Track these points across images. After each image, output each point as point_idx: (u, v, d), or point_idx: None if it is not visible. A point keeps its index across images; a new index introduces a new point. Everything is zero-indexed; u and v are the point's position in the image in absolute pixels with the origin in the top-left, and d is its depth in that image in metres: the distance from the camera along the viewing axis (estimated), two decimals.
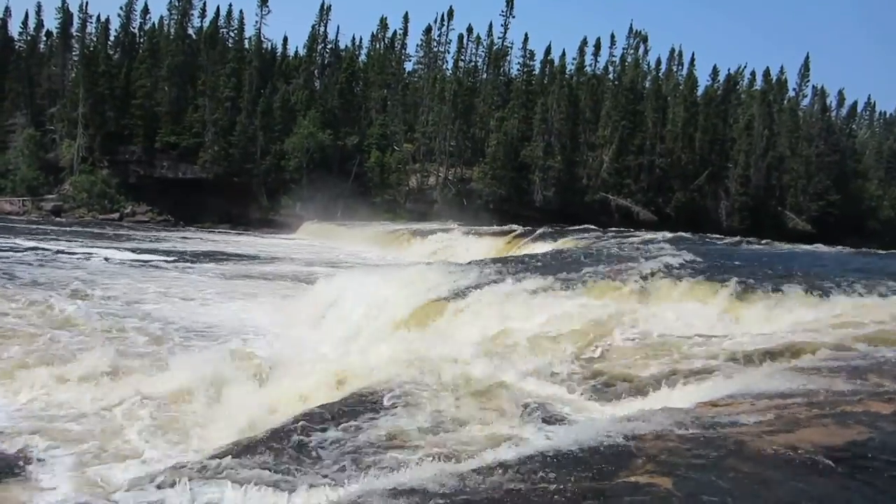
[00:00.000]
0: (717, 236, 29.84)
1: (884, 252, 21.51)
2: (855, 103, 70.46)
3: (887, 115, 79.89)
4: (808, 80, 63.73)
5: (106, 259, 21.51)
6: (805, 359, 5.97)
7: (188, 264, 21.90)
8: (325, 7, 60.95)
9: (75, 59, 54.13)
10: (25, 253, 21.22)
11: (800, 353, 6.21)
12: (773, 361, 6.10)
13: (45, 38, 58.59)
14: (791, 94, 63.98)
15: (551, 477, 3.40)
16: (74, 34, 55.54)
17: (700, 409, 4.59)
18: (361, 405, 5.63)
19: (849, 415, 4.09)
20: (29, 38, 57.55)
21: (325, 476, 4.58)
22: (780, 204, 56.33)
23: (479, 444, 4.86)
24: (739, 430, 3.92)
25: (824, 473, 3.22)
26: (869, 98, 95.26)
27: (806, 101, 64.57)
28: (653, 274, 10.01)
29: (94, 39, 55.83)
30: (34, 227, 35.87)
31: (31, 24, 57.99)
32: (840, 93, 69.10)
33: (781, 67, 73.15)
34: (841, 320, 7.14)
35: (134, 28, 58.69)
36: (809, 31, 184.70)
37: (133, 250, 25.50)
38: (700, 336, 7.27)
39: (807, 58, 64.30)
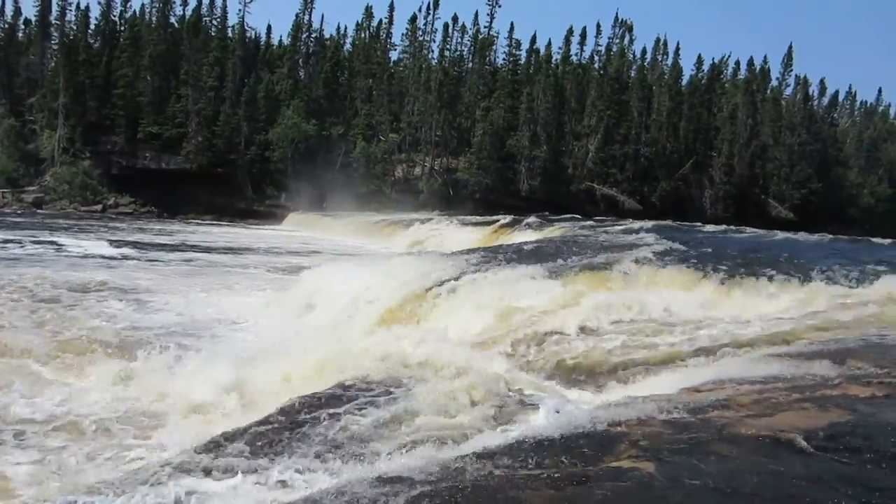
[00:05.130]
0: (701, 224, 30.08)
1: (861, 239, 21.81)
2: (836, 92, 71.13)
3: (868, 104, 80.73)
4: (791, 70, 64.38)
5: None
6: (785, 345, 6.05)
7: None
8: None
9: (55, 47, 53.26)
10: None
11: (780, 338, 6.29)
12: (755, 347, 6.18)
13: (23, 26, 57.61)
14: (774, 83, 64.57)
15: (536, 463, 3.43)
16: (53, 22, 54.67)
17: (683, 395, 4.65)
18: (345, 395, 5.64)
19: (828, 398, 4.15)
20: (6, 25, 56.51)
21: (310, 466, 4.58)
22: (764, 192, 56.85)
23: (463, 432, 4.89)
24: (721, 415, 3.97)
25: (804, 455, 3.27)
26: (850, 87, 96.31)
27: (789, 91, 65.26)
28: (637, 262, 10.08)
29: (74, 28, 54.93)
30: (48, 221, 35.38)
31: (9, 11, 57.06)
32: (822, 82, 69.94)
33: (765, 57, 73.56)
34: (821, 306, 7.23)
35: (114, 16, 57.83)
36: (792, 21, 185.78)
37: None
38: (683, 323, 7.34)
39: (790, 47, 64.76)
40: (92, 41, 55.00)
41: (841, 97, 74.78)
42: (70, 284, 13.34)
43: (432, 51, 63.59)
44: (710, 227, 26.69)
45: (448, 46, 62.49)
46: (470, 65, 62.18)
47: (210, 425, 5.83)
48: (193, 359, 7.68)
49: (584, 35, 63.29)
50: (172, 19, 56.83)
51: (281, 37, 65.49)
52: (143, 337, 9.34)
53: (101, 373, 7.46)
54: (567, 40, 62.53)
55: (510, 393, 5.56)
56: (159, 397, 6.78)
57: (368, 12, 65.40)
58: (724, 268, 9.22)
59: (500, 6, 62.51)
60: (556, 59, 61.10)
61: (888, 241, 19.31)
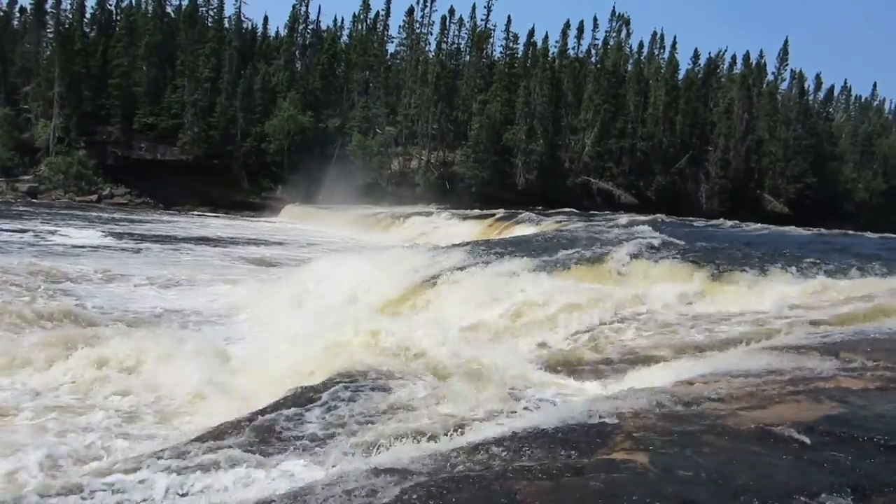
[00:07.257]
0: (696, 219, 30.15)
1: (855, 233, 21.90)
2: (832, 87, 71.35)
3: (863, 99, 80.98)
4: (787, 64, 64.56)
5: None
6: (779, 337, 6.08)
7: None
8: None
9: (50, 36, 52.91)
10: None
11: (774, 332, 6.31)
12: (749, 340, 6.20)
13: (18, 15, 57.33)
14: (770, 77, 64.66)
15: (530, 455, 3.43)
16: (49, 11, 54.25)
17: (677, 388, 4.66)
18: (341, 387, 5.64)
19: (821, 391, 4.17)
20: (2, 14, 56.13)
21: (305, 457, 4.59)
22: (759, 187, 56.97)
23: (459, 424, 4.90)
24: (715, 408, 3.99)
25: (797, 447, 3.29)
26: (845, 82, 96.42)
27: (784, 85, 65.41)
28: (632, 256, 10.10)
29: (70, 16, 54.58)
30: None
31: None
32: (817, 77, 70.22)
33: (761, 51, 73.98)
34: (814, 300, 7.27)
35: (110, 5, 57.55)
36: (788, 16, 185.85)
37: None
38: (678, 316, 7.37)
39: (785, 42, 65.13)
40: (88, 30, 54.69)
41: (836, 92, 75.09)
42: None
43: (429, 43, 63.49)
44: (704, 222, 26.76)
45: (445, 39, 62.38)
46: (467, 58, 62.03)
47: None
48: None
49: (580, 29, 63.26)
50: (169, 9, 56.62)
51: (278, 28, 65.53)
52: None
53: None
54: (564, 34, 62.40)
55: (506, 384, 5.57)
56: None
57: (366, 4, 65.15)
58: (717, 262, 9.25)
59: None
60: (553, 53, 61.00)
61: (882, 235, 19.41)
